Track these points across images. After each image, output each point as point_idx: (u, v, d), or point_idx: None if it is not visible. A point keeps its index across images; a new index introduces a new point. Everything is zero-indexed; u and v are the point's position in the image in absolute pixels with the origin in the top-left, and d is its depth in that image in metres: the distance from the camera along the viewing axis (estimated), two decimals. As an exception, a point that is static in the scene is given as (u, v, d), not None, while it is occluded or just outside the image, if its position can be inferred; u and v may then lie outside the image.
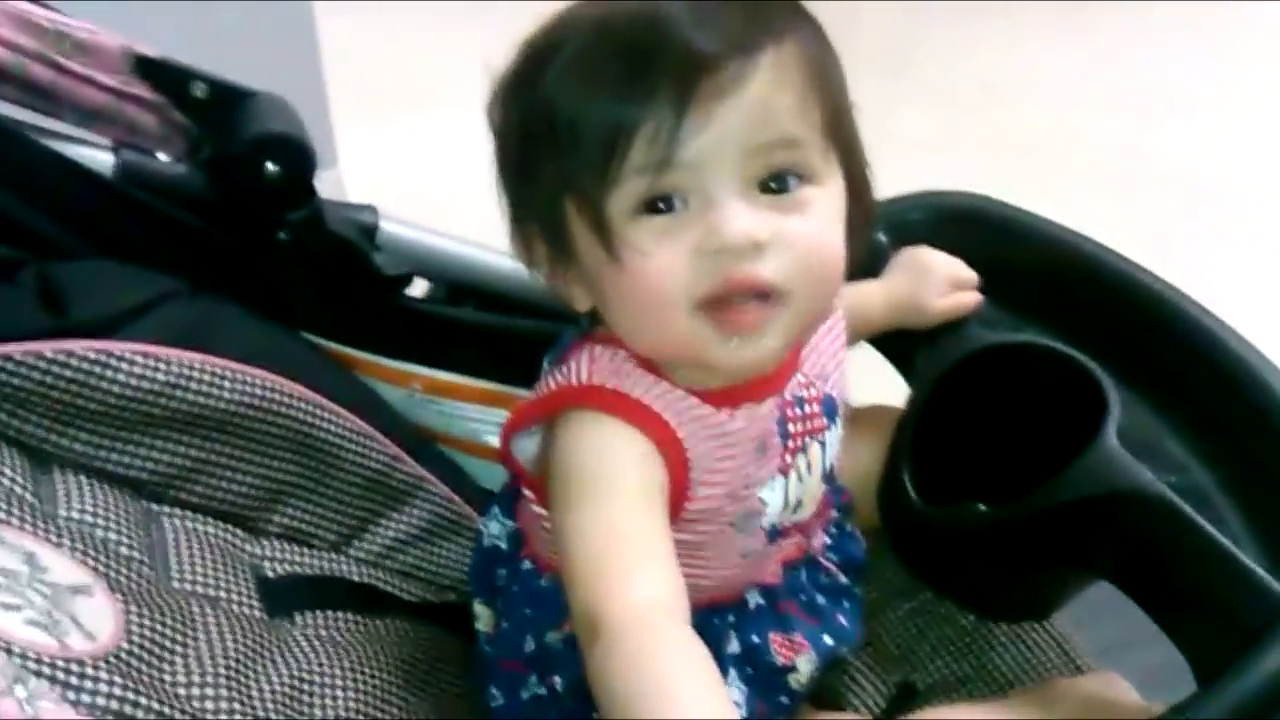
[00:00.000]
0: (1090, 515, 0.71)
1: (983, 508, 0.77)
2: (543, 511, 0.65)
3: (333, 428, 0.78)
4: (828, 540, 0.74)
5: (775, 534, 0.67)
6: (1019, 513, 0.73)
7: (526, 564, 0.70)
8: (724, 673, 0.66)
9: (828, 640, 0.70)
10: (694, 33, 0.55)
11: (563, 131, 0.56)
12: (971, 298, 0.80)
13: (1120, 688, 0.80)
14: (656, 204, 0.56)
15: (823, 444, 0.69)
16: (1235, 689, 0.61)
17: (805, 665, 0.69)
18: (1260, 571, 0.65)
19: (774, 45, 0.57)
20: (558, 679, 0.68)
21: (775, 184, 0.57)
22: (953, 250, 0.83)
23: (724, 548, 0.65)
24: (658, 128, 0.55)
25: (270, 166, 0.75)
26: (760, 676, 0.68)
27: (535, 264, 0.62)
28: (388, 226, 0.83)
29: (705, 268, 0.56)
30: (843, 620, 0.72)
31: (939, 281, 0.80)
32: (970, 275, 0.81)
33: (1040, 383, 0.77)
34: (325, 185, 0.83)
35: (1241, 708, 0.61)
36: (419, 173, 1.99)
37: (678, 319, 0.57)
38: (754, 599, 0.69)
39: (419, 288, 0.89)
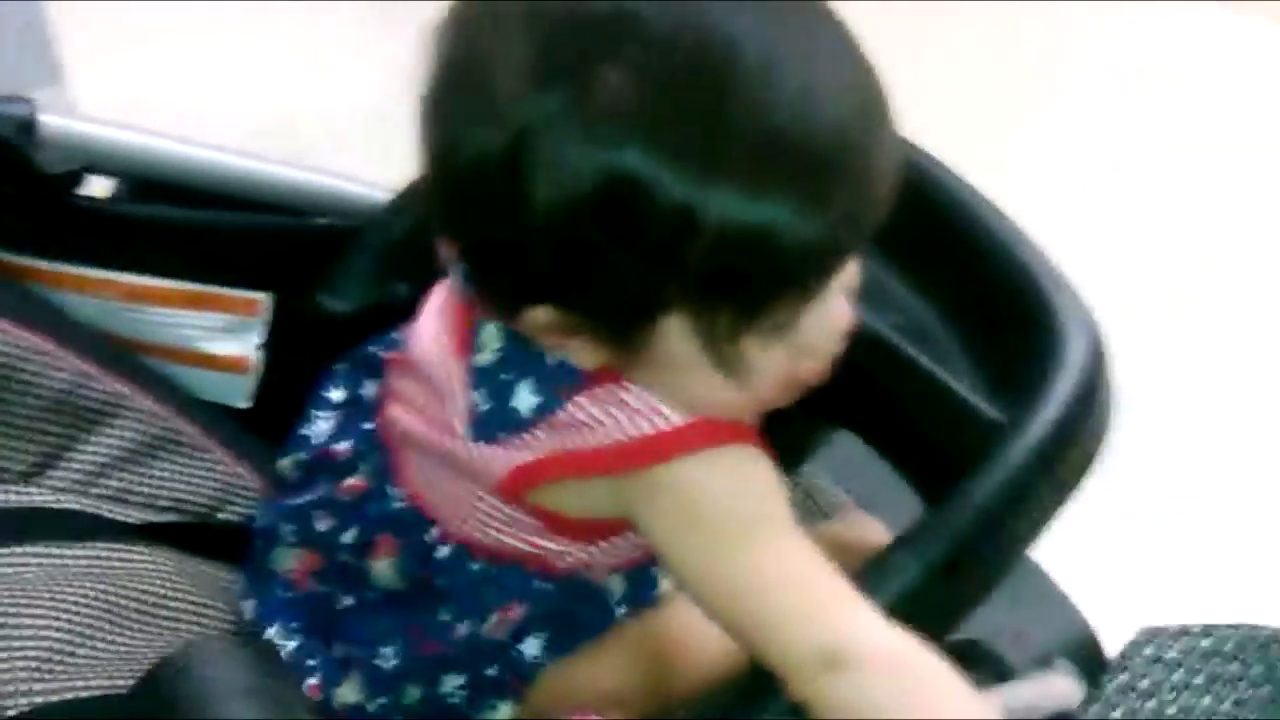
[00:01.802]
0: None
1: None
2: (547, 544, 0.61)
3: (1, 346, 0.70)
4: None
5: None
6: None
7: (445, 549, 0.63)
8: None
9: None
10: (881, 153, 0.50)
11: (710, 252, 0.47)
12: None
13: (867, 525, 0.80)
14: (784, 323, 0.52)
15: None
16: (953, 515, 0.61)
17: None
18: (975, 400, 0.66)
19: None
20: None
21: None
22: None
23: None
24: (848, 243, 0.52)
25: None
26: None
27: (544, 330, 0.53)
28: (49, 120, 0.74)
29: (813, 361, 0.56)
30: None
31: None
32: None
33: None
34: (51, 104, 0.74)
35: (960, 533, 0.61)
36: (156, 85, 1.86)
37: (775, 402, 0.57)
38: None
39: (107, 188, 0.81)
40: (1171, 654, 0.85)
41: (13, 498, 0.71)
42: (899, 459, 0.73)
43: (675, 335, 0.52)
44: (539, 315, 0.53)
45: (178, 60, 1.95)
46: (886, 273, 0.73)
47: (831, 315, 0.55)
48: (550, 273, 0.51)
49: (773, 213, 0.47)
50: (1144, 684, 0.84)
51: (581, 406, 0.56)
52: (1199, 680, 0.84)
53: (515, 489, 0.59)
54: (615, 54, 0.46)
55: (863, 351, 0.69)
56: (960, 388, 0.67)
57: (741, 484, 0.56)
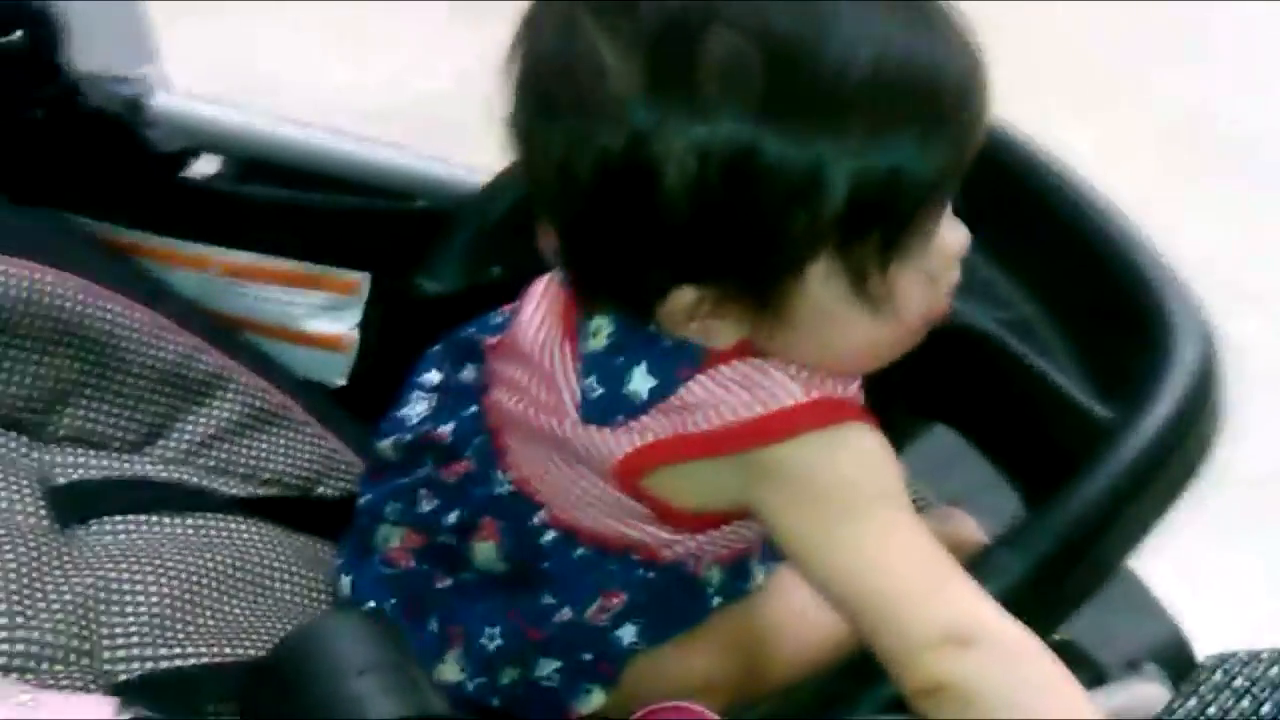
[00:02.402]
0: (916, 355, 0.70)
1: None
2: (655, 532, 0.62)
3: (114, 319, 0.71)
4: None
5: None
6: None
7: (551, 534, 0.64)
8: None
9: None
10: (974, 75, 0.52)
11: (844, 200, 0.49)
12: None
13: (961, 522, 0.79)
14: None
15: None
16: (1058, 516, 0.60)
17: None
18: (1083, 397, 0.65)
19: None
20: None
21: None
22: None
23: None
24: (960, 170, 0.52)
25: (10, 37, 0.67)
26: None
27: (688, 314, 0.53)
28: (162, 99, 0.76)
29: (937, 287, 0.57)
30: None
31: None
32: None
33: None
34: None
35: (1065, 533, 0.60)
36: (249, 64, 1.88)
37: (912, 339, 0.57)
38: None
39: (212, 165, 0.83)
40: (1239, 681, 0.84)
41: (124, 467, 0.72)
42: (999, 455, 0.72)
43: (819, 283, 0.52)
44: (682, 298, 0.53)
45: (263, 36, 1.98)
46: (990, 267, 0.72)
47: (949, 238, 0.56)
48: (690, 253, 0.51)
49: (897, 149, 0.49)
50: (1211, 711, 0.83)
51: (702, 385, 0.56)
52: (1266, 709, 0.83)
53: (629, 474, 0.59)
54: (716, 34, 0.48)
55: (966, 345, 0.69)
56: (1067, 385, 0.66)
57: (862, 461, 0.56)
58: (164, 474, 0.74)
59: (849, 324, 0.54)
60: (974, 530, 0.79)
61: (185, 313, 0.77)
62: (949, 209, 0.56)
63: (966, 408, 0.72)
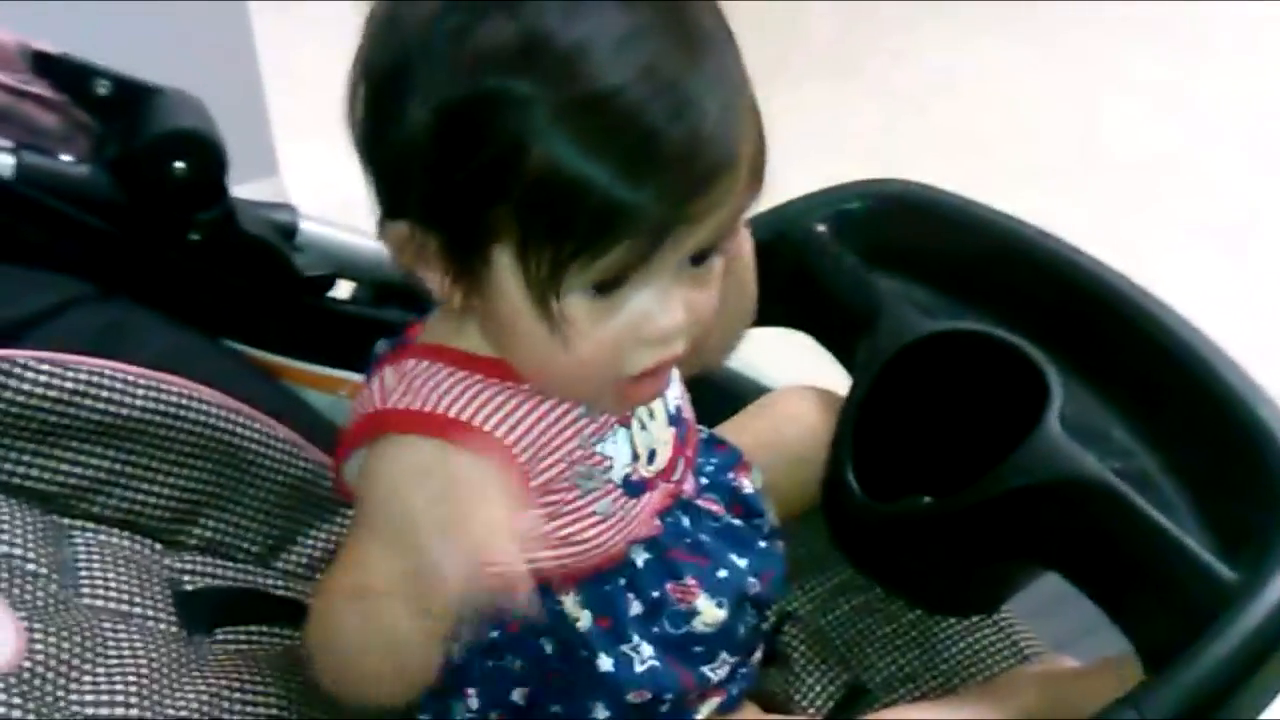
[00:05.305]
0: (1034, 504, 0.70)
1: (927, 500, 0.75)
2: None
3: (254, 435, 0.74)
4: (703, 481, 0.71)
5: (637, 488, 0.65)
6: (963, 504, 0.72)
7: None
8: (628, 637, 0.65)
9: (722, 575, 0.67)
10: (722, 127, 0.52)
11: (534, 187, 0.50)
12: None
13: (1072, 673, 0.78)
14: (605, 287, 0.54)
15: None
16: (1183, 679, 0.59)
17: (706, 604, 0.66)
18: (1206, 556, 0.64)
19: (754, 129, 0.55)
20: (472, 691, 0.66)
21: (700, 260, 0.56)
22: (892, 238, 0.81)
23: (573, 512, 0.62)
24: (659, 223, 0.52)
25: (177, 164, 0.72)
26: (670, 638, 0.66)
27: (400, 247, 0.57)
28: (308, 226, 0.80)
29: (637, 353, 0.57)
30: (736, 557, 0.69)
31: None
32: None
33: (983, 371, 0.76)
34: (266, 194, 0.82)
35: (1189, 698, 0.59)
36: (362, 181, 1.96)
37: (592, 389, 0.58)
38: (640, 556, 0.66)
39: (345, 290, 0.86)
40: None
41: (249, 578, 0.75)
42: (1112, 607, 0.71)
43: (505, 272, 0.54)
44: (395, 229, 0.56)
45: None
46: (1112, 418, 0.72)
47: (654, 311, 0.55)
48: (401, 188, 0.55)
49: (593, 168, 0.50)
50: None
51: (373, 380, 0.62)
52: None
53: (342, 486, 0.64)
54: (498, 10, 0.51)
55: (1082, 495, 0.68)
56: (1187, 541, 0.65)
57: (391, 483, 0.57)
58: (284, 587, 0.76)
59: (528, 332, 0.55)
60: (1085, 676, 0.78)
61: (317, 430, 0.79)
62: (666, 289, 0.55)
63: (1081, 558, 0.71)
